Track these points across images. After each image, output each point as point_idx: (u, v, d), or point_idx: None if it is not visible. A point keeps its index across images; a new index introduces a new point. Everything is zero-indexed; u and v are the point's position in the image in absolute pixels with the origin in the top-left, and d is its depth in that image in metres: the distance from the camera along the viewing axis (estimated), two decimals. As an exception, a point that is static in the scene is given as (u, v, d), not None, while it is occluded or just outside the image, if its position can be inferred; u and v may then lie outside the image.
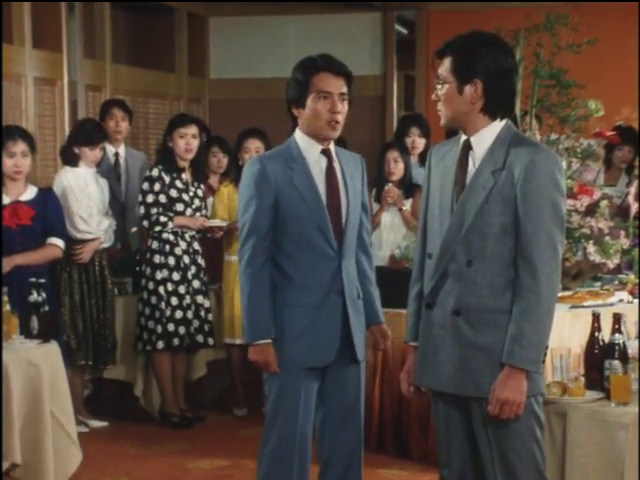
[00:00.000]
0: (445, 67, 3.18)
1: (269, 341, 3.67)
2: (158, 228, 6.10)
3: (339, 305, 3.72)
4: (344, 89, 3.70)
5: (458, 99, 3.17)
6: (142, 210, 6.13)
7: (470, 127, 3.19)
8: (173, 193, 6.15)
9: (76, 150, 6.01)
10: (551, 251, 3.11)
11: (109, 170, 6.72)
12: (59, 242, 5.59)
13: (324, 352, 3.71)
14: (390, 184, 6.38)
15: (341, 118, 3.70)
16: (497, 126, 3.19)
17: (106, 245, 6.16)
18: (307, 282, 3.69)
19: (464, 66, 3.14)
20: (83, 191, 5.98)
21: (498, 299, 3.13)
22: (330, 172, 3.75)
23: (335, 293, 3.71)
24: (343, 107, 3.71)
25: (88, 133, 6.03)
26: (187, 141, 6.14)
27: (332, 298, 3.71)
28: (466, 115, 3.18)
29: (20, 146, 5.41)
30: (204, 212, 6.32)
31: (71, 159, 6.03)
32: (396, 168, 6.39)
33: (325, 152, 3.75)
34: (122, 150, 6.88)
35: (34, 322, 4.81)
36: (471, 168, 3.19)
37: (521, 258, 3.11)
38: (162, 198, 6.11)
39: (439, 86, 3.20)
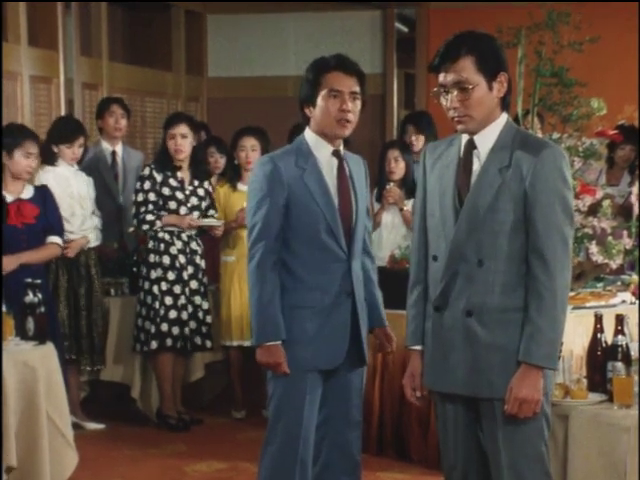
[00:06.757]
0: (466, 69, 3.10)
1: (278, 343, 3.63)
2: (146, 227, 6.08)
3: (349, 307, 3.71)
4: (355, 88, 3.67)
5: (488, 98, 3.13)
6: (133, 209, 6.12)
7: (483, 124, 3.14)
8: (166, 191, 6.11)
9: (55, 149, 5.97)
10: (563, 246, 3.10)
11: (107, 169, 6.69)
12: (59, 240, 5.61)
13: (334, 354, 3.69)
14: (392, 184, 6.33)
15: (352, 117, 3.68)
16: (501, 120, 3.17)
17: (92, 245, 6.12)
18: (318, 283, 3.66)
19: (491, 62, 3.11)
20: (65, 190, 5.94)
21: (510, 297, 3.11)
22: (341, 174, 3.73)
23: (345, 295, 3.70)
24: (354, 106, 3.67)
25: (65, 131, 6.00)
26: (176, 142, 6.12)
27: (342, 300, 3.70)
28: (492, 112, 3.15)
29: (34, 147, 5.43)
30: (210, 212, 6.26)
31: (50, 158, 5.97)
32: (397, 167, 6.34)
33: (336, 153, 3.73)
34: (120, 149, 6.85)
35: (30, 323, 4.78)
36: (476, 167, 3.16)
37: (534, 255, 3.09)
38: (152, 196, 6.09)
39: (462, 91, 3.10)
